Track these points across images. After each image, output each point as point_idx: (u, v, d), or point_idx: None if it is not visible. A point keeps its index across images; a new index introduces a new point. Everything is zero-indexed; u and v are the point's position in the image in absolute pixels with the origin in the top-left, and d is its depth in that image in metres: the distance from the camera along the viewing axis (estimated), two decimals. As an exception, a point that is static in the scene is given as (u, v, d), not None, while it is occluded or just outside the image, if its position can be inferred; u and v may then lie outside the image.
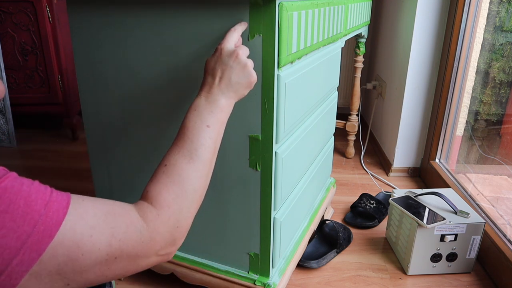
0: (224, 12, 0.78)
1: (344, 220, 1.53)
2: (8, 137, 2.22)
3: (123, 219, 0.54)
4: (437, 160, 1.78)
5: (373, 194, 1.68)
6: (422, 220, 1.17)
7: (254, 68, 0.79)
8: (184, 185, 0.61)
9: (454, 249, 1.21)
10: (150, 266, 0.57)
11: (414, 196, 1.31)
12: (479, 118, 1.71)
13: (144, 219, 0.56)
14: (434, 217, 1.19)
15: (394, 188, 1.76)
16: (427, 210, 1.23)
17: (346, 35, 1.31)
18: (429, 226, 1.15)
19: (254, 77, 0.70)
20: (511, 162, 1.58)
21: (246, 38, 0.78)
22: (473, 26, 1.55)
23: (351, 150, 2.07)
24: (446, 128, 1.71)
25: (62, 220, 0.47)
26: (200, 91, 0.69)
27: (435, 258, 1.22)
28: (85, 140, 1.07)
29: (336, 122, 1.96)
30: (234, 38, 0.71)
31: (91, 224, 0.50)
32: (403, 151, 1.86)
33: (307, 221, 1.24)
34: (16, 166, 2.01)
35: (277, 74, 0.80)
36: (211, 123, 0.66)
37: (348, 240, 1.37)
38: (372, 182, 1.84)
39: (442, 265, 1.24)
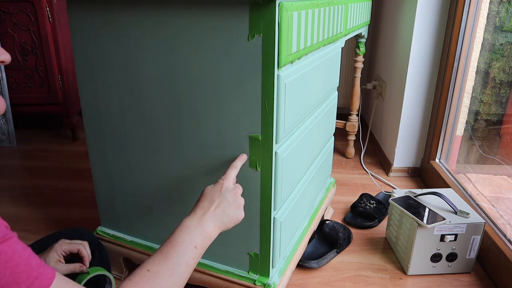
0: (224, 12, 0.78)
1: (344, 220, 1.53)
2: (8, 137, 2.22)
3: None
4: (437, 160, 1.78)
5: (373, 194, 1.68)
6: (422, 220, 1.17)
7: (254, 68, 0.80)
8: None
9: (454, 249, 1.21)
10: None
11: (414, 196, 1.31)
12: (479, 118, 1.71)
13: None
14: (434, 217, 1.19)
15: (394, 188, 1.76)
16: (427, 210, 1.23)
17: (346, 35, 1.31)
18: (429, 226, 1.15)
19: (242, 215, 0.78)
20: (511, 162, 1.58)
21: (246, 38, 0.78)
22: (473, 26, 1.55)
23: (351, 150, 2.07)
24: (446, 128, 1.71)
25: None
26: (193, 212, 0.73)
27: (435, 258, 1.22)
28: (85, 140, 1.07)
29: (336, 122, 1.96)
30: (233, 175, 0.80)
31: None
32: (403, 151, 1.86)
33: (307, 221, 1.24)
34: (16, 166, 2.01)
35: (277, 74, 0.80)
36: (198, 245, 0.69)
37: (348, 240, 1.37)
38: (372, 182, 1.84)
39: (442, 265, 1.24)
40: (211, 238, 0.73)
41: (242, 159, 0.85)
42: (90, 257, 0.85)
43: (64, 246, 0.82)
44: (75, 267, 0.81)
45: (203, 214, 0.73)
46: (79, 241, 0.85)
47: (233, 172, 0.80)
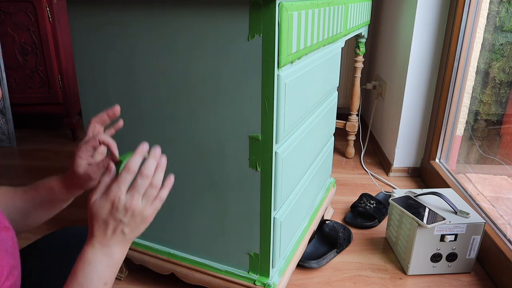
0: (224, 12, 0.78)
1: (344, 220, 1.53)
2: (8, 137, 2.22)
3: None
4: (437, 160, 1.78)
5: (373, 194, 1.68)
6: (422, 220, 1.17)
7: (254, 68, 0.79)
8: None
9: (454, 249, 1.21)
10: None
11: (414, 196, 1.31)
12: (479, 118, 1.71)
13: None
14: (434, 217, 1.19)
15: (394, 188, 1.76)
16: (427, 210, 1.23)
17: (346, 35, 1.31)
18: (429, 226, 1.15)
19: (149, 221, 0.61)
20: (511, 162, 1.58)
21: (246, 38, 0.78)
22: (473, 26, 1.55)
23: (351, 150, 2.07)
24: (446, 128, 1.71)
25: None
26: (91, 240, 0.58)
27: (435, 258, 1.22)
28: (85, 140, 1.07)
29: (336, 122, 1.96)
30: (128, 180, 0.58)
31: None
32: (403, 151, 1.86)
33: (307, 221, 1.24)
34: (16, 166, 2.01)
35: (277, 74, 0.80)
36: (109, 279, 0.57)
37: (348, 240, 1.37)
38: (372, 182, 1.84)
39: (442, 265, 1.24)
40: (121, 262, 0.60)
41: (142, 151, 0.62)
42: (115, 142, 0.70)
43: (83, 146, 0.69)
44: (104, 163, 0.68)
45: (102, 241, 0.57)
46: (91, 130, 0.71)
47: (127, 178, 0.59)
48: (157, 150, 0.62)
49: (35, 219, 0.74)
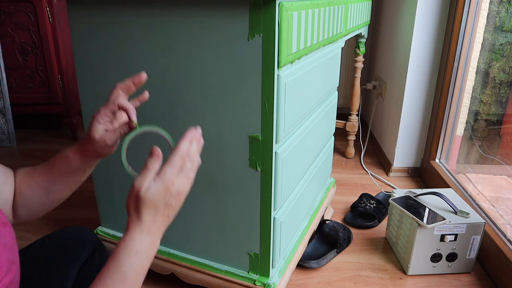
0: (224, 12, 0.78)
1: (344, 220, 1.53)
2: (8, 137, 2.22)
3: None
4: (437, 160, 1.78)
5: (373, 194, 1.68)
6: (422, 220, 1.17)
7: (254, 68, 0.80)
8: None
9: (454, 249, 1.21)
10: None
11: (414, 196, 1.31)
12: (479, 118, 1.71)
13: None
14: (434, 217, 1.19)
15: (394, 188, 1.76)
16: (427, 210, 1.23)
17: (346, 35, 1.31)
18: (429, 226, 1.15)
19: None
20: (511, 162, 1.58)
21: (246, 38, 0.78)
22: (473, 26, 1.55)
23: (351, 150, 2.07)
24: (446, 128, 1.71)
25: None
26: (139, 227, 0.57)
27: (435, 258, 1.22)
28: (85, 140, 1.07)
29: (336, 122, 1.96)
30: (180, 165, 0.59)
31: None
32: (403, 151, 1.86)
33: (307, 221, 1.24)
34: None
35: (277, 74, 0.80)
36: (147, 268, 0.57)
37: (348, 240, 1.37)
38: (372, 182, 1.84)
39: (442, 265, 1.24)
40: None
41: (193, 137, 0.62)
42: (134, 108, 0.70)
43: (102, 110, 0.68)
44: (122, 128, 0.69)
45: (152, 228, 0.57)
46: (114, 95, 0.70)
47: (180, 162, 0.59)
48: (199, 130, 0.63)
49: (57, 194, 0.74)
